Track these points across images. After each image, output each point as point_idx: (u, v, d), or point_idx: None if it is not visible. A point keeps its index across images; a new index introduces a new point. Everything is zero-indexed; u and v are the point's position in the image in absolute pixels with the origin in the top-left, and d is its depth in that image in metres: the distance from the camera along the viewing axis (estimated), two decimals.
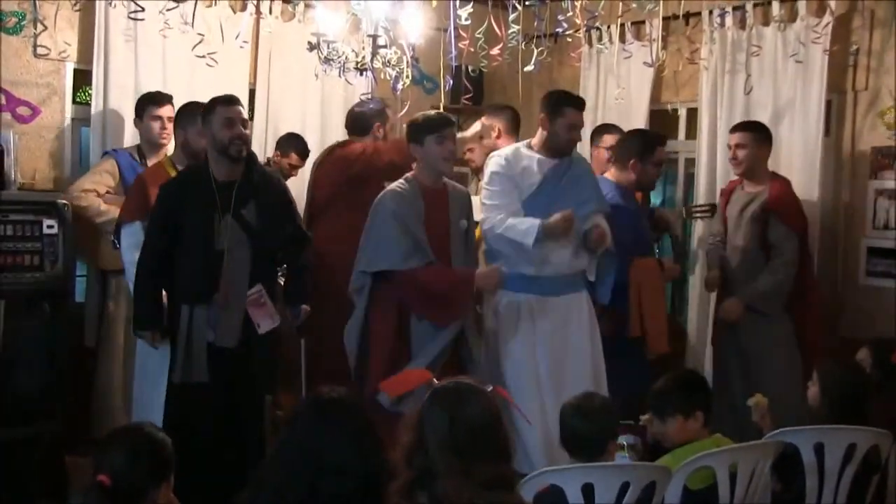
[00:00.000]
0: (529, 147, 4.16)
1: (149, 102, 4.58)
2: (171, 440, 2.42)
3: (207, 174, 3.75)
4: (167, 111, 4.54)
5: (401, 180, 3.91)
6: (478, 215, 4.14)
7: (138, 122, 4.62)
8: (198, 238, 3.69)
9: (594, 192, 4.19)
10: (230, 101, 3.76)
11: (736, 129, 4.67)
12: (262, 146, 5.24)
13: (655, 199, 5.43)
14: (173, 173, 4.21)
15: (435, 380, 2.58)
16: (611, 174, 4.58)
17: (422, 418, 2.22)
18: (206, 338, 3.69)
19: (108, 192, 4.47)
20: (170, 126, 4.49)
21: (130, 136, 4.79)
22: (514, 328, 4.06)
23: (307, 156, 5.08)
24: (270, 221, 3.80)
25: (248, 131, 3.80)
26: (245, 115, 3.80)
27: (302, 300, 4.08)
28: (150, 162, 4.48)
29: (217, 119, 3.70)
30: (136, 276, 3.85)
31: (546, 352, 4.01)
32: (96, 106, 4.79)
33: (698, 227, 5.23)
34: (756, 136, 4.58)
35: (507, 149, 4.21)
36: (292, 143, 5.08)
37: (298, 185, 4.95)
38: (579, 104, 4.15)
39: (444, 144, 3.79)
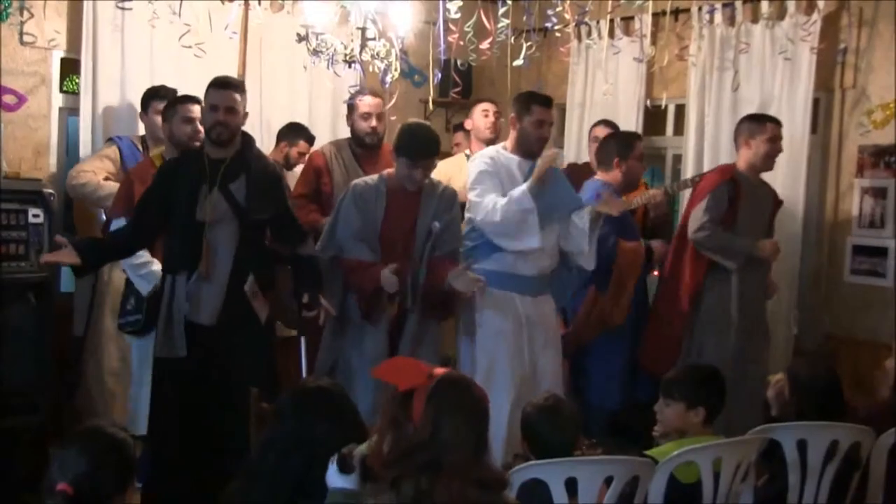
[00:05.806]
0: (505, 149, 4.21)
1: (152, 97, 4.56)
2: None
3: (201, 152, 3.80)
4: None
5: (373, 175, 3.99)
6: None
7: (144, 117, 4.61)
8: (182, 208, 3.72)
9: (569, 191, 4.22)
10: (216, 84, 3.78)
11: (776, 121, 4.47)
12: None
13: None
14: None
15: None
16: (599, 174, 4.59)
17: (437, 412, 2.03)
18: (184, 311, 3.68)
19: (107, 178, 4.46)
20: None
21: (122, 126, 4.77)
22: (486, 322, 4.09)
23: (313, 142, 5.11)
24: (258, 199, 3.76)
25: (233, 117, 3.73)
26: (233, 100, 3.74)
27: (312, 289, 3.87)
28: (152, 154, 4.47)
29: (205, 101, 3.77)
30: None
31: (512, 348, 4.06)
32: (85, 95, 4.76)
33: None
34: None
35: (488, 150, 4.28)
36: (301, 133, 5.11)
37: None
38: (546, 101, 4.21)
39: (412, 171, 3.84)
